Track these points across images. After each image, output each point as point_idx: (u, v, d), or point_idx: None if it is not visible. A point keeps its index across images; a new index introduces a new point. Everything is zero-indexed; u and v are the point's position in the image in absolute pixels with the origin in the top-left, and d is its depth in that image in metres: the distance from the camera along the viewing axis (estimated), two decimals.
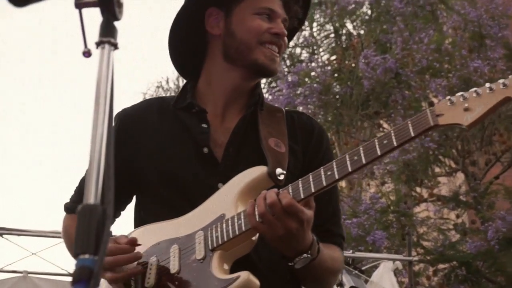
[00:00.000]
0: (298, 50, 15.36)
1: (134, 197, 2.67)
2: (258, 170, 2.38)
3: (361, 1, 13.83)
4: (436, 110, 2.08)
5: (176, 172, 2.50)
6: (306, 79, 12.48)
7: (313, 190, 2.21)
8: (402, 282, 11.42)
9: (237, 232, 2.28)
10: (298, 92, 12.40)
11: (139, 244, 2.38)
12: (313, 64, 13.25)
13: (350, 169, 2.17)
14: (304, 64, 12.98)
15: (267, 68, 2.55)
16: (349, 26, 14.67)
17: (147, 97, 15.72)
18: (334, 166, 2.20)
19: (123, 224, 2.79)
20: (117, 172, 2.52)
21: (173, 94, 15.50)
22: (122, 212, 2.74)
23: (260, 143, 2.49)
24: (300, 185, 2.24)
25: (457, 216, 11.78)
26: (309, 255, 2.29)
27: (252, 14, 2.54)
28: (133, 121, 2.62)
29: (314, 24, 14.91)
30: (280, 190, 2.24)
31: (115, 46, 1.39)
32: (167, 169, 2.50)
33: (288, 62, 14.90)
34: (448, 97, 2.09)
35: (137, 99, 17.23)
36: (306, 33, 14.56)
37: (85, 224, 1.28)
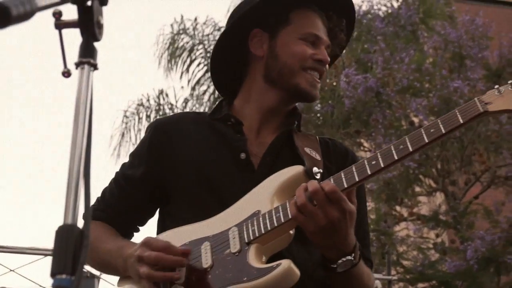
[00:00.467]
0: None
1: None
2: (295, 169, 2.36)
3: None
4: (485, 99, 2.13)
5: (213, 175, 2.48)
6: None
7: (357, 179, 2.19)
8: None
9: (275, 224, 2.23)
10: None
11: (189, 254, 2.32)
12: None
13: (396, 157, 2.17)
14: None
15: (308, 94, 2.56)
16: None
17: (128, 114, 15.61)
18: (379, 156, 2.20)
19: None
20: (149, 181, 2.54)
21: (154, 112, 15.44)
22: (141, 228, 2.73)
23: (297, 150, 2.50)
24: (343, 176, 2.22)
25: (437, 236, 11.80)
26: (352, 258, 2.24)
27: (297, 38, 2.55)
28: (169, 129, 2.62)
29: None
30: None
31: (94, 66, 1.39)
32: (204, 172, 2.49)
33: None
34: (496, 86, 2.14)
35: (118, 117, 17.17)
36: None
37: (62, 244, 1.28)
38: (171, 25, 15.66)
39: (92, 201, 1.30)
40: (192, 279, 2.30)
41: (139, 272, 2.28)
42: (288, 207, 2.23)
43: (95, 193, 2.64)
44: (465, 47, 11.99)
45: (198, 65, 15.37)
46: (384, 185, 11.32)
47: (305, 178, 2.31)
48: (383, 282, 10.03)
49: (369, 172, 2.19)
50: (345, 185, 2.20)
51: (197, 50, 15.41)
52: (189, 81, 15.34)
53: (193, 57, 15.42)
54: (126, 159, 2.71)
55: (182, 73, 15.34)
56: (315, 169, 2.34)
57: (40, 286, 9.28)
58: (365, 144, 13.30)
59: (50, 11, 1.38)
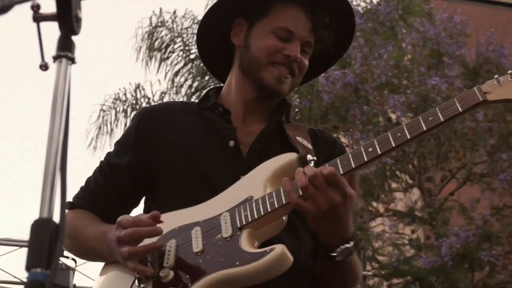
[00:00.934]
0: None
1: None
2: (289, 155, 2.35)
3: None
4: (484, 88, 2.15)
5: (202, 162, 2.46)
6: None
7: (353, 166, 2.18)
8: None
9: (269, 209, 2.21)
10: None
11: (161, 221, 2.28)
12: None
13: (393, 144, 2.16)
14: None
15: (271, 88, 2.51)
16: None
17: (105, 108, 15.50)
18: (376, 143, 2.18)
19: None
20: (135, 169, 2.51)
21: (130, 106, 15.34)
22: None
23: (288, 139, 2.49)
24: (339, 162, 2.20)
25: (412, 232, 11.87)
26: (350, 246, 2.24)
27: (270, 31, 2.51)
28: (156, 116, 2.61)
29: None
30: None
31: (72, 60, 1.39)
32: (192, 159, 2.47)
33: None
34: (495, 76, 2.16)
35: (94, 111, 17.04)
36: None
37: (38, 238, 1.28)
38: (150, 18, 15.57)
39: (69, 194, 1.30)
40: (182, 263, 2.26)
41: (122, 253, 2.25)
42: (282, 192, 2.21)
43: (71, 186, 2.62)
44: (443, 45, 12.07)
45: (177, 57, 15.28)
46: (361, 181, 11.35)
47: (299, 165, 2.28)
48: None
49: (365, 159, 2.17)
50: (341, 171, 2.18)
51: (176, 43, 15.33)
52: (166, 74, 15.25)
53: (172, 50, 15.35)
54: (103, 154, 2.68)
55: (159, 65, 15.25)
56: (309, 157, 2.29)
57: (15, 277, 9.24)
58: (343, 140, 13.35)
59: (28, 4, 1.37)
